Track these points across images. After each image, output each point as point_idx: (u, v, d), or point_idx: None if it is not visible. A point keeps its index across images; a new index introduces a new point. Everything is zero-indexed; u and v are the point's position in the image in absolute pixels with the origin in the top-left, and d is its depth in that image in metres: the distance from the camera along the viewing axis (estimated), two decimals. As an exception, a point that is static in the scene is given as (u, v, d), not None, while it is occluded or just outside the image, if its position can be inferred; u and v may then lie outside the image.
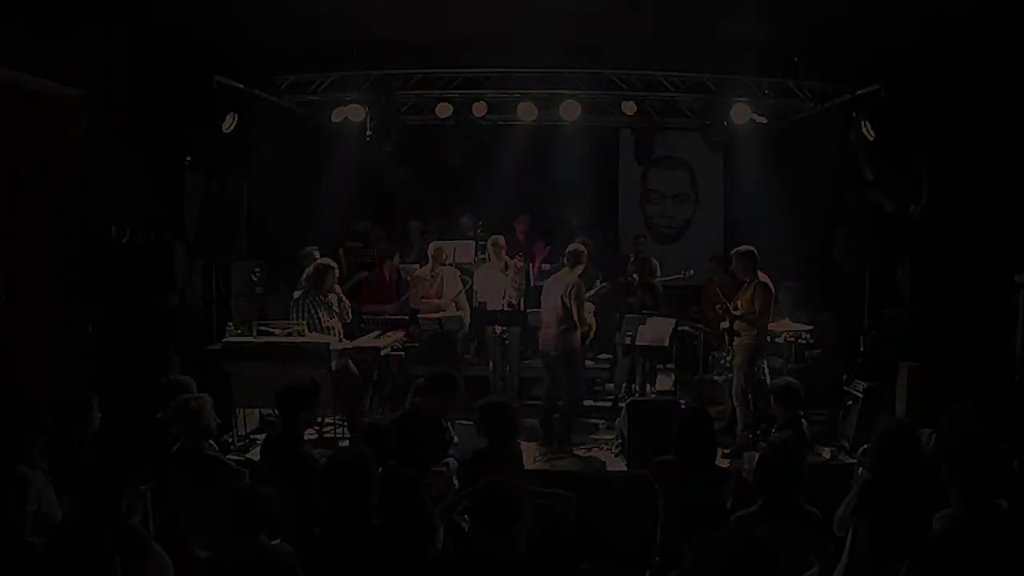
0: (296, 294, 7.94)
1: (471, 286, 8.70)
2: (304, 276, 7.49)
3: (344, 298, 7.51)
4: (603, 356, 8.64)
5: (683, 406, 7.43)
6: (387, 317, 8.36)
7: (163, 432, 4.87)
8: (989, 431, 3.67)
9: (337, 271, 7.49)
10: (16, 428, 4.16)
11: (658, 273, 9.13)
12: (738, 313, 7.02)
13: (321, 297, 7.19)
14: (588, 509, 5.32)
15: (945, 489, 3.54)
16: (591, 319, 7.39)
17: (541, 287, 8.13)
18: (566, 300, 7.01)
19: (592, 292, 7.94)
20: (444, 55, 8.47)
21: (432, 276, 8.51)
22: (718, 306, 7.27)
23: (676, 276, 9.01)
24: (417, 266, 9.14)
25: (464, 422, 5.48)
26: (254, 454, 6.60)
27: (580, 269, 7.17)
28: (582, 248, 7.31)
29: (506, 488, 3.32)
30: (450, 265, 8.73)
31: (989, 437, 3.58)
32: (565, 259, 7.27)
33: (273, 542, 3.52)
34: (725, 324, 7.24)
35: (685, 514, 3.71)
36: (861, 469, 4.31)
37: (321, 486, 3.43)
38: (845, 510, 4.03)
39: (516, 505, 3.28)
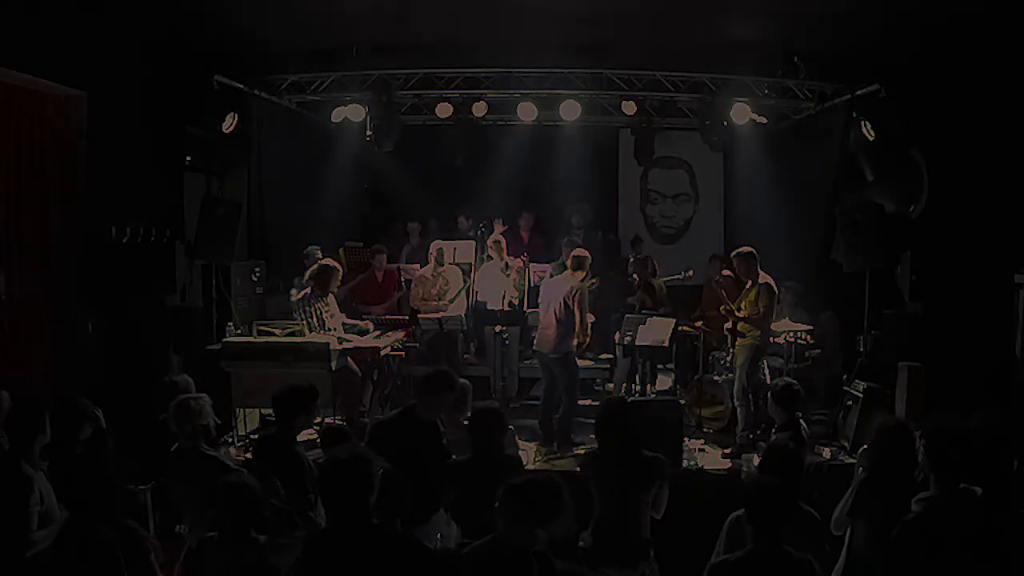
0: (292, 292, 7.96)
1: (470, 286, 8.70)
2: (307, 276, 7.50)
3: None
4: (603, 356, 8.63)
5: (683, 405, 7.47)
6: (387, 317, 8.36)
7: (163, 432, 4.88)
8: (968, 426, 3.72)
9: (341, 272, 7.51)
10: (18, 428, 4.17)
11: (658, 273, 9.13)
12: (742, 314, 7.03)
13: (325, 298, 7.20)
14: (586, 511, 5.30)
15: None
16: (589, 330, 7.38)
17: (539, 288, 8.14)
18: (570, 303, 7.00)
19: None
20: (444, 55, 8.47)
21: (434, 276, 8.51)
22: (723, 308, 7.28)
23: (676, 276, 9.01)
24: (417, 266, 9.14)
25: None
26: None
27: (582, 274, 7.15)
28: (586, 253, 7.27)
29: (546, 481, 3.31)
30: (454, 265, 8.74)
31: (967, 430, 3.65)
32: (568, 262, 7.25)
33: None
34: (728, 325, 7.25)
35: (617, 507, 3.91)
36: (860, 469, 4.31)
37: (320, 485, 3.42)
38: (842, 510, 4.04)
39: (556, 499, 3.28)
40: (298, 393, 4.69)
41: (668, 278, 9.05)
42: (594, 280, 8.27)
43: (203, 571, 3.46)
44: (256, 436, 7.10)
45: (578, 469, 6.54)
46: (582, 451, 7.10)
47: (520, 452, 6.75)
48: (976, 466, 3.55)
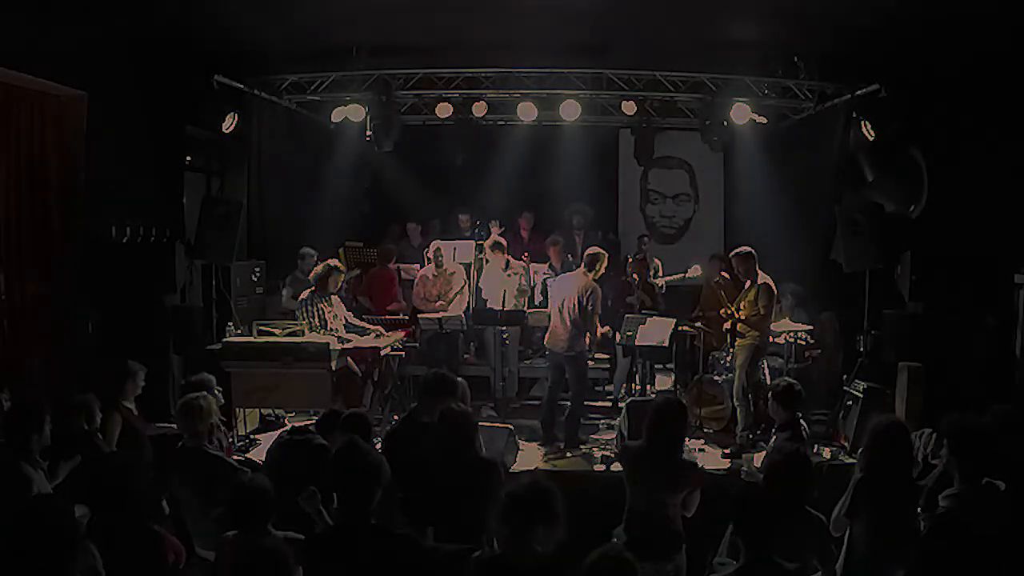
0: (285, 292, 7.94)
1: (476, 285, 8.71)
2: (311, 276, 7.51)
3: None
4: (603, 356, 8.63)
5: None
6: (387, 317, 8.36)
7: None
8: (987, 422, 3.73)
9: (343, 274, 7.53)
10: (17, 428, 4.17)
11: (659, 273, 9.12)
12: (742, 315, 7.03)
13: (327, 298, 7.21)
14: (587, 509, 5.31)
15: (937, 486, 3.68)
16: (598, 334, 7.33)
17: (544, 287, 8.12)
18: (583, 301, 6.96)
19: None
20: (444, 55, 8.47)
21: (435, 276, 8.51)
22: (722, 310, 7.28)
23: (679, 274, 9.00)
24: (416, 266, 9.14)
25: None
26: (254, 454, 6.62)
27: (595, 274, 7.10)
28: (601, 252, 7.16)
29: (541, 488, 3.28)
30: (461, 264, 8.75)
31: (987, 425, 3.65)
32: (583, 260, 7.21)
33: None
34: (728, 325, 7.25)
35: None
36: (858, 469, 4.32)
37: (335, 464, 3.43)
38: (840, 510, 4.03)
39: (546, 506, 3.22)
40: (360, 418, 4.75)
41: (672, 277, 9.05)
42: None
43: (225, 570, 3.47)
44: (256, 436, 7.13)
45: (577, 468, 6.67)
46: (584, 449, 7.13)
47: (520, 452, 6.76)
48: (996, 462, 3.57)
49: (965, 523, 3.38)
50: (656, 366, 8.59)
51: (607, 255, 7.23)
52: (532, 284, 8.75)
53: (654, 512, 4.27)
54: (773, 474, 3.90)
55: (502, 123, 9.94)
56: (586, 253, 7.22)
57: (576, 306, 6.97)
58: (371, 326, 7.58)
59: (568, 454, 7.04)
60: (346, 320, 7.38)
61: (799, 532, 3.73)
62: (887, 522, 3.85)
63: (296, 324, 6.93)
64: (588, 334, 7.09)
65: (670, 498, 4.28)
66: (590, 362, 8.21)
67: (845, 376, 7.60)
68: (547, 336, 7.32)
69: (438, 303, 8.41)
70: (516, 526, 3.17)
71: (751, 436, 7.01)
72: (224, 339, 7.03)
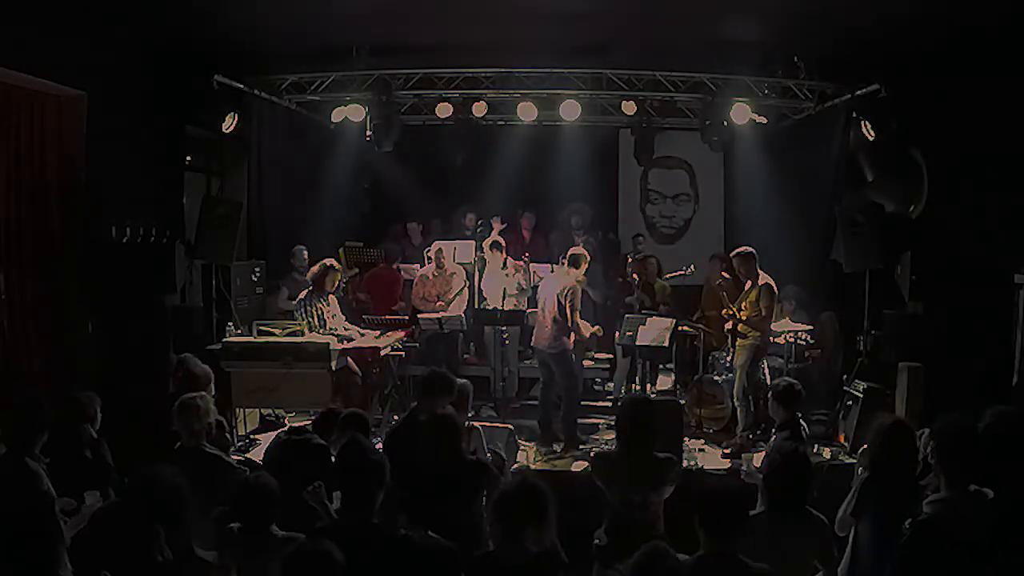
0: (283, 292, 7.93)
1: (478, 286, 8.70)
2: (308, 276, 7.51)
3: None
4: (603, 356, 8.63)
5: (683, 404, 7.46)
6: (387, 317, 8.36)
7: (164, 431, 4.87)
8: (975, 426, 3.71)
9: (339, 273, 7.54)
10: (19, 426, 4.17)
11: (660, 272, 9.12)
12: (743, 315, 7.03)
13: (325, 298, 7.21)
14: (584, 509, 5.30)
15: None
16: (587, 333, 7.31)
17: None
18: (562, 300, 6.99)
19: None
20: (444, 55, 8.47)
21: (435, 276, 8.51)
22: (724, 310, 7.28)
23: (678, 272, 9.01)
24: (417, 266, 9.14)
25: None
26: (254, 454, 6.61)
27: (578, 273, 7.13)
28: (583, 252, 7.24)
29: (531, 488, 3.27)
30: (461, 265, 8.74)
31: (975, 431, 3.63)
32: (565, 260, 7.25)
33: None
34: (729, 326, 7.25)
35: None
36: (861, 469, 4.31)
37: (340, 461, 3.42)
38: (845, 510, 4.03)
39: (537, 506, 3.22)
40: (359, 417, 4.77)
41: (671, 274, 9.06)
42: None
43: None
44: (256, 436, 7.14)
45: (573, 468, 6.67)
46: (584, 449, 7.12)
47: (520, 452, 6.77)
48: (987, 467, 3.53)
49: (946, 530, 3.34)
50: (657, 366, 8.58)
51: (587, 255, 7.25)
52: (532, 284, 8.74)
53: (633, 513, 4.27)
54: (773, 474, 3.88)
55: (502, 123, 9.94)
56: (569, 253, 7.23)
57: (556, 304, 6.99)
58: (367, 330, 7.58)
59: (567, 454, 7.05)
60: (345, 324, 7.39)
61: (799, 532, 3.72)
62: (892, 521, 3.84)
63: (296, 324, 6.94)
64: (572, 333, 7.09)
65: (652, 496, 4.28)
66: (588, 362, 8.23)
67: (845, 376, 7.60)
68: (533, 335, 7.36)
69: (437, 303, 8.41)
70: (507, 526, 3.18)
71: (751, 436, 7.02)
72: (224, 339, 7.04)
